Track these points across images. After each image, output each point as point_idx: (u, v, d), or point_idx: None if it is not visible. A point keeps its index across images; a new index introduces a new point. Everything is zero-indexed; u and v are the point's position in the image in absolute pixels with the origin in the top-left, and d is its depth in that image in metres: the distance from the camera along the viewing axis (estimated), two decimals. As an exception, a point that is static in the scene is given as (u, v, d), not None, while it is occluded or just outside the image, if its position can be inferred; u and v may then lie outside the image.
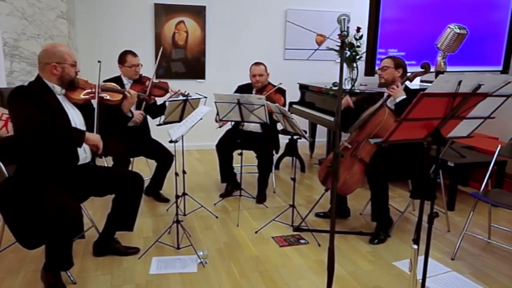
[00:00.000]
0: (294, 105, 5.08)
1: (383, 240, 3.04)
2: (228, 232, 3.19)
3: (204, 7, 5.42)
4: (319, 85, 4.76)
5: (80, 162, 2.42)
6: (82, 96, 2.48)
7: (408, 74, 3.11)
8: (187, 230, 3.06)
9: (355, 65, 4.36)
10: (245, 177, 4.32)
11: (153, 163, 3.74)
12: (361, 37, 4.34)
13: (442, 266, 2.72)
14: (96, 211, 3.32)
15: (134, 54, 3.50)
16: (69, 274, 2.41)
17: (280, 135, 4.04)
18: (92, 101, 2.57)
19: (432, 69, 3.39)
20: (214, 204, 3.74)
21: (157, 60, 3.71)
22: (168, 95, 3.46)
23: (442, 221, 3.36)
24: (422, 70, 3.14)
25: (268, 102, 3.28)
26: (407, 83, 3.09)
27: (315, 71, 5.79)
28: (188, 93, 3.31)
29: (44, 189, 2.22)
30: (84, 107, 2.52)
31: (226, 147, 3.81)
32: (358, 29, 4.33)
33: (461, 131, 1.91)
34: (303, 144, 5.35)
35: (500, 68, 5.06)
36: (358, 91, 4.27)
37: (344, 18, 1.80)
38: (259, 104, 3.22)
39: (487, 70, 4.99)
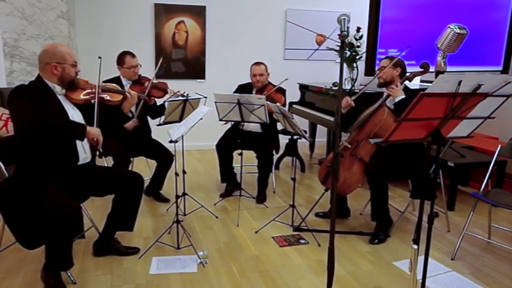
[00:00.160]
0: (294, 105, 5.08)
1: (383, 240, 3.04)
2: (228, 232, 3.19)
3: (204, 7, 5.42)
4: (319, 85, 4.76)
5: (80, 162, 2.42)
6: (82, 97, 2.48)
7: (408, 74, 3.11)
8: (187, 230, 3.06)
9: (355, 65, 4.36)
10: (245, 177, 4.32)
11: (153, 163, 3.74)
12: (361, 37, 4.34)
13: (442, 266, 2.72)
14: (96, 211, 3.32)
15: (132, 55, 3.49)
16: (69, 274, 2.41)
17: (280, 135, 4.04)
18: (92, 101, 2.57)
19: (432, 69, 3.39)
20: (214, 204, 3.74)
21: (157, 68, 3.68)
22: (167, 96, 3.45)
23: (442, 221, 3.36)
24: (422, 70, 3.14)
25: (268, 102, 3.28)
26: (406, 82, 3.09)
27: (315, 71, 5.79)
28: (188, 94, 3.30)
29: (44, 189, 2.22)
30: (84, 107, 2.52)
31: (226, 147, 3.80)
32: (358, 29, 4.33)
33: (461, 131, 1.91)
34: (303, 144, 5.35)
35: (500, 68, 5.06)
36: (358, 91, 4.26)
37: (344, 18, 1.80)
38: (259, 104, 3.22)
39: (487, 70, 4.99)
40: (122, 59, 3.47)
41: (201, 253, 2.74)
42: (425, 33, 4.63)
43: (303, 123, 4.15)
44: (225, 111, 3.40)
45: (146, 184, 3.54)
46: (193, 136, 3.94)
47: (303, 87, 5.14)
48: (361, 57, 4.38)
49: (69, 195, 2.26)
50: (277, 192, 4.12)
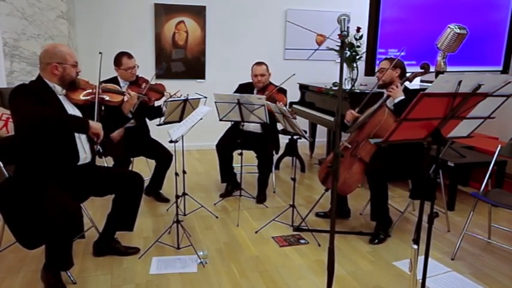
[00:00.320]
0: (294, 105, 5.08)
1: (383, 240, 3.04)
2: (228, 232, 3.19)
3: (204, 7, 5.42)
4: (319, 85, 4.76)
5: (80, 162, 2.42)
6: (83, 97, 2.48)
7: (408, 74, 3.11)
8: (188, 230, 3.06)
9: (355, 65, 4.37)
10: (245, 177, 4.32)
11: (153, 163, 3.74)
12: (361, 37, 4.34)
13: (442, 266, 2.72)
14: (96, 211, 3.32)
15: (129, 56, 3.45)
16: (69, 274, 2.41)
17: (280, 135, 4.04)
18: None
19: (432, 69, 3.39)
20: (214, 204, 3.74)
21: (153, 77, 3.60)
22: (163, 98, 3.42)
23: (442, 221, 3.36)
24: (422, 71, 3.14)
25: (268, 102, 3.28)
26: (406, 83, 3.09)
27: (315, 71, 5.79)
28: (187, 95, 3.29)
29: (44, 189, 2.22)
30: (85, 108, 2.52)
31: (226, 147, 3.80)
32: (358, 29, 4.33)
33: (461, 131, 1.91)
34: (303, 144, 5.35)
35: (500, 68, 5.06)
36: (358, 91, 4.27)
37: (344, 18, 1.80)
38: (259, 104, 3.22)
39: (487, 70, 4.99)
40: (119, 60, 3.44)
41: (201, 253, 2.74)
42: (425, 33, 4.63)
43: (303, 123, 4.15)
44: (225, 111, 3.40)
45: (146, 184, 3.54)
46: (193, 136, 3.94)
47: (303, 87, 5.15)
48: (361, 57, 4.38)
49: (69, 195, 2.26)
50: (277, 192, 4.12)
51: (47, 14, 4.30)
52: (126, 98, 2.77)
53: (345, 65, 4.32)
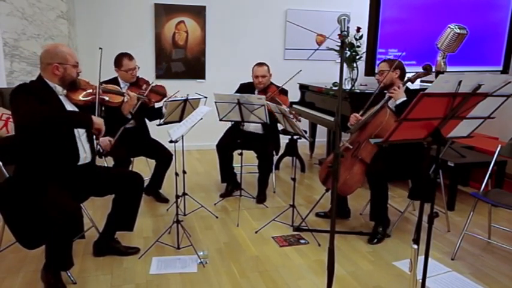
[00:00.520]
0: (294, 105, 5.08)
1: (381, 240, 3.04)
2: (228, 232, 3.19)
3: (204, 7, 5.42)
4: (319, 85, 4.76)
5: (80, 162, 2.42)
6: (83, 98, 2.49)
7: (410, 75, 3.10)
8: (188, 230, 3.06)
9: (355, 65, 4.36)
10: (245, 177, 4.32)
11: (153, 163, 3.74)
12: (361, 37, 4.33)
13: (442, 266, 2.72)
14: (96, 211, 3.32)
15: (130, 58, 3.42)
16: (69, 274, 2.41)
17: (280, 135, 4.04)
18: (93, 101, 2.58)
19: (432, 69, 3.38)
20: (215, 204, 3.74)
21: (152, 82, 3.53)
22: (165, 99, 3.41)
23: (442, 221, 3.36)
24: (424, 72, 3.13)
25: (268, 102, 3.28)
26: (408, 84, 3.08)
27: (315, 71, 5.78)
28: (187, 95, 3.29)
29: (44, 189, 2.22)
30: (85, 108, 2.52)
31: (226, 147, 3.80)
32: (358, 29, 4.33)
33: (461, 131, 1.91)
34: (303, 144, 5.35)
35: (500, 68, 5.06)
36: (358, 91, 4.27)
37: (344, 18, 1.80)
38: (259, 104, 3.22)
39: (487, 70, 4.99)
40: (119, 61, 3.42)
41: (201, 253, 2.74)
42: (425, 33, 4.63)
43: (303, 123, 4.13)
44: (225, 111, 3.40)
45: (146, 184, 3.54)
46: (193, 136, 3.94)
47: (303, 87, 5.15)
48: (361, 57, 4.38)
49: (69, 195, 2.26)
50: (277, 192, 4.12)
51: (47, 14, 4.30)
52: (125, 99, 2.77)
53: (345, 65, 4.32)
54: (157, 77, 5.22)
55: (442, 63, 4.35)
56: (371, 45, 4.46)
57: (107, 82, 3.35)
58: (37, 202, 2.20)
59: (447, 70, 4.41)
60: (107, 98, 2.65)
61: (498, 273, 2.65)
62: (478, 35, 4.77)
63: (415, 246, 1.92)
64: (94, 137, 2.48)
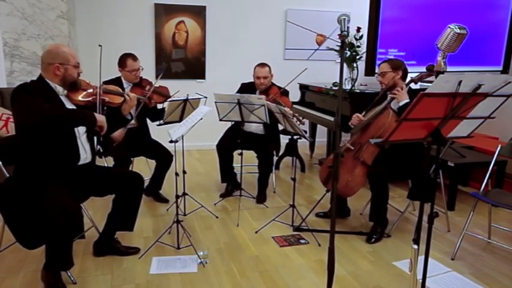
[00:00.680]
0: (294, 105, 5.07)
1: (379, 239, 3.04)
2: (228, 232, 3.19)
3: (204, 7, 5.42)
4: (319, 85, 4.76)
5: (80, 162, 2.42)
6: (84, 98, 2.48)
7: (413, 76, 3.08)
8: (188, 230, 3.06)
9: (355, 65, 4.36)
10: (245, 177, 4.32)
11: (153, 163, 3.74)
12: (361, 37, 4.33)
13: (442, 266, 2.72)
14: (96, 211, 3.32)
15: (134, 58, 3.44)
16: (69, 274, 2.41)
17: (280, 135, 4.03)
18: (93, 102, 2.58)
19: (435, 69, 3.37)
20: (215, 204, 3.74)
21: (160, 76, 3.54)
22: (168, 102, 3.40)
23: (442, 221, 3.36)
24: (427, 72, 3.11)
25: (268, 102, 3.27)
26: (411, 85, 3.05)
27: (315, 71, 5.77)
28: (187, 95, 3.29)
29: (44, 189, 2.22)
30: (85, 108, 2.51)
31: (226, 147, 3.80)
32: (358, 29, 4.33)
33: (461, 131, 1.91)
34: (303, 144, 5.35)
35: (500, 68, 5.06)
36: (358, 91, 4.27)
37: (344, 18, 1.80)
38: (259, 104, 3.22)
39: (487, 70, 4.99)
40: (123, 61, 3.43)
41: (201, 253, 2.74)
42: (425, 33, 4.63)
43: (303, 123, 4.15)
44: (225, 111, 3.40)
45: (146, 184, 3.54)
46: (193, 136, 3.94)
47: (303, 87, 5.15)
48: (361, 57, 4.38)
49: (69, 195, 2.26)
50: (277, 192, 4.12)
51: (47, 14, 4.30)
52: (126, 100, 2.77)
53: (345, 65, 4.32)
54: (157, 77, 5.18)
55: (442, 63, 4.35)
56: (371, 45, 4.46)
57: (109, 82, 3.36)
58: (37, 202, 2.20)
59: (447, 70, 4.40)
60: (107, 99, 2.65)
61: (498, 273, 2.65)
62: (478, 35, 4.77)
63: (415, 246, 1.91)
64: (95, 137, 2.48)
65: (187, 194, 3.41)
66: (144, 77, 3.56)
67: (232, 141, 3.77)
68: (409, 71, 3.16)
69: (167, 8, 5.30)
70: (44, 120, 2.14)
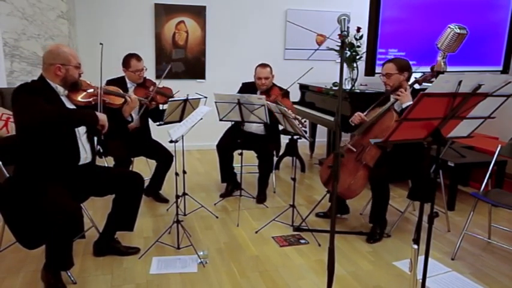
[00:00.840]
0: (294, 105, 5.08)
1: (379, 239, 3.04)
2: (228, 232, 3.19)
3: (204, 7, 5.43)
4: (319, 85, 4.76)
5: (80, 162, 2.42)
6: (84, 98, 2.48)
7: (417, 77, 3.06)
8: (188, 230, 3.06)
9: (355, 65, 4.36)
10: (245, 177, 4.32)
11: (153, 163, 3.74)
12: (361, 37, 4.33)
13: (442, 266, 2.72)
14: (96, 211, 3.32)
15: (138, 59, 3.45)
16: (69, 274, 2.41)
17: (280, 135, 4.03)
18: (93, 102, 2.57)
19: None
20: (215, 204, 3.74)
21: (164, 74, 3.54)
22: None
23: (442, 221, 3.36)
24: (432, 73, 3.09)
25: (268, 102, 3.27)
26: (415, 86, 3.02)
27: (315, 71, 5.76)
28: (187, 95, 3.29)
29: (44, 189, 2.22)
30: (86, 108, 2.51)
31: (226, 147, 3.80)
32: (358, 29, 4.33)
33: (462, 131, 1.91)
34: (303, 144, 5.35)
35: (500, 68, 5.06)
36: (358, 91, 4.27)
37: (344, 18, 1.80)
38: (259, 104, 3.22)
39: (487, 70, 4.99)
40: (127, 61, 3.44)
41: (201, 253, 2.74)
42: (425, 33, 4.63)
43: (303, 123, 4.15)
44: (225, 111, 3.40)
45: (146, 184, 3.54)
46: (193, 136, 3.94)
47: (303, 87, 5.15)
48: (361, 57, 4.38)
49: (69, 195, 2.26)
50: (277, 192, 4.12)
51: (47, 14, 4.30)
52: (127, 101, 2.77)
53: (345, 65, 4.32)
54: (157, 77, 5.20)
55: (442, 63, 4.35)
56: (371, 45, 4.46)
57: (113, 81, 3.38)
58: (37, 202, 2.20)
59: (447, 70, 4.40)
60: (107, 100, 2.65)
61: (498, 273, 2.65)
62: (478, 35, 4.77)
63: (415, 246, 1.92)
64: (96, 138, 2.48)
65: (187, 194, 3.41)
66: (147, 78, 3.56)
67: (232, 141, 3.77)
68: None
69: (167, 8, 5.30)
70: (45, 120, 2.13)
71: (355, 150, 3.06)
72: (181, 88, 3.54)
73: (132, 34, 5.25)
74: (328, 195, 3.47)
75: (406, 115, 1.67)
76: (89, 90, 2.53)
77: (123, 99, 2.76)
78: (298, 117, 3.10)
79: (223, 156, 3.82)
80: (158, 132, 3.60)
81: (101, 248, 2.72)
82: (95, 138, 2.60)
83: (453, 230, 3.29)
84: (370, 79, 4.60)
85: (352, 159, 3.04)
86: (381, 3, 4.41)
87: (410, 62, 3.08)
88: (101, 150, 2.54)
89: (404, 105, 2.89)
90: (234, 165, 3.90)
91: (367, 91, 4.29)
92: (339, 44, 3.08)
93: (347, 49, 4.27)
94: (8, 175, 2.45)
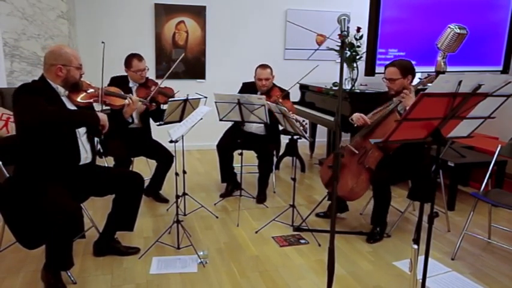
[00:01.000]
0: (294, 105, 5.08)
1: (379, 239, 3.05)
2: (228, 232, 3.19)
3: (204, 7, 5.43)
4: (319, 85, 4.76)
5: (81, 163, 2.42)
6: (85, 99, 2.48)
7: (422, 78, 3.04)
8: (188, 230, 3.06)
9: (355, 65, 4.36)
10: (245, 177, 4.32)
11: (153, 163, 3.74)
12: (361, 37, 4.34)
13: (442, 266, 2.72)
14: (96, 211, 3.32)
15: (140, 59, 3.45)
16: (69, 274, 2.41)
17: (280, 135, 4.03)
18: (94, 103, 2.58)
19: (432, 69, 3.36)
20: (215, 204, 3.74)
21: (167, 74, 3.48)
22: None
23: (442, 221, 3.36)
24: (436, 74, 3.08)
25: (268, 102, 3.27)
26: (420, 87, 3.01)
27: (315, 71, 5.77)
28: (187, 95, 3.28)
29: (44, 189, 2.22)
30: (86, 109, 2.51)
31: (226, 147, 3.80)
32: (358, 29, 4.33)
33: (462, 131, 1.91)
34: (303, 144, 5.35)
35: (500, 68, 5.06)
36: (358, 91, 4.27)
37: (344, 18, 1.80)
38: (259, 104, 3.22)
39: (487, 70, 4.99)
40: (129, 62, 3.45)
41: (201, 253, 2.74)
42: (425, 33, 4.63)
43: (303, 123, 4.14)
44: (225, 111, 3.40)
45: (146, 184, 3.54)
46: (193, 136, 3.94)
47: (303, 87, 5.15)
48: (361, 57, 4.38)
49: (69, 195, 2.26)
50: (277, 192, 4.12)
51: (47, 14, 4.30)
52: (127, 103, 2.76)
53: (345, 65, 4.32)
54: (157, 77, 5.20)
55: (442, 63, 4.35)
56: (371, 45, 4.46)
57: (117, 78, 3.41)
58: (37, 202, 2.20)
59: (447, 70, 4.40)
60: (107, 101, 2.65)
61: (498, 273, 2.65)
62: (478, 35, 4.77)
63: (415, 246, 1.92)
64: (96, 138, 2.47)
65: (187, 194, 3.41)
66: (150, 78, 3.57)
67: (232, 141, 3.77)
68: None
69: (167, 8, 5.30)
70: (45, 121, 2.13)
71: (357, 152, 3.03)
72: (181, 88, 3.54)
73: (132, 34, 5.25)
74: (326, 193, 3.46)
75: (406, 115, 1.67)
76: (89, 91, 2.53)
77: (123, 101, 2.76)
78: (299, 120, 3.08)
79: (223, 156, 3.82)
80: (158, 132, 3.59)
81: (101, 248, 2.72)
82: (96, 138, 2.60)
83: (453, 230, 3.29)
84: (370, 79, 4.60)
85: (354, 162, 3.03)
86: (381, 3, 4.41)
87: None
88: (101, 150, 2.53)
89: (408, 108, 2.85)
90: (234, 165, 3.90)
91: (367, 91, 4.29)
92: (339, 44, 3.08)
93: (347, 49, 4.27)
94: (8, 175, 2.45)
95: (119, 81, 3.37)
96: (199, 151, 5.60)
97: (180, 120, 3.16)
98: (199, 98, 3.23)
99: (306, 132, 3.05)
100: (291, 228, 3.23)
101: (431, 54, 4.45)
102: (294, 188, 3.29)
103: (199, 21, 5.45)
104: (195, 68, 5.57)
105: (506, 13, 4.93)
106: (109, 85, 3.26)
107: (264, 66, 3.77)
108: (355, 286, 2.48)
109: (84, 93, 2.50)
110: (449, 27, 4.15)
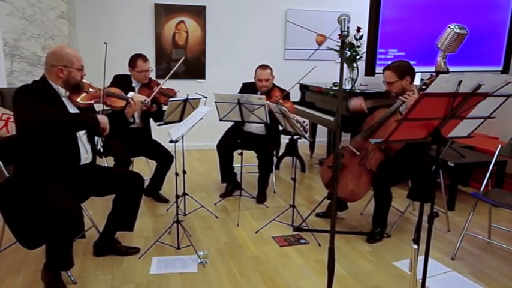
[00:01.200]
0: (294, 105, 5.07)
1: (379, 239, 3.05)
2: (228, 232, 3.19)
3: (204, 7, 5.43)
4: (319, 85, 4.76)
5: (81, 163, 2.42)
6: (86, 101, 2.48)
7: (425, 79, 3.03)
8: (188, 230, 3.06)
9: (355, 65, 4.36)
10: (245, 177, 4.32)
11: (153, 163, 3.74)
12: (361, 37, 4.34)
13: (442, 266, 2.72)
14: (96, 211, 3.32)
15: (145, 59, 3.46)
16: (69, 274, 2.41)
17: (280, 135, 4.03)
18: (95, 104, 2.58)
19: (432, 69, 3.36)
20: (215, 204, 3.74)
21: (170, 73, 3.48)
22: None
23: (442, 221, 3.36)
24: (439, 75, 3.08)
25: (268, 102, 3.27)
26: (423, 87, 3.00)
27: (315, 71, 5.77)
28: (187, 95, 3.28)
29: (44, 189, 2.22)
30: (87, 110, 2.51)
31: (226, 147, 3.80)
32: (358, 29, 4.33)
33: (462, 131, 1.91)
34: (303, 144, 5.35)
35: (500, 68, 5.05)
36: (358, 91, 4.27)
37: (344, 18, 1.80)
38: (259, 104, 3.22)
39: (487, 70, 4.99)
40: (134, 62, 3.45)
41: (201, 253, 2.74)
42: (425, 33, 4.63)
43: (303, 123, 4.14)
44: (225, 111, 3.40)
45: (146, 184, 3.53)
46: (193, 136, 3.93)
47: (303, 87, 5.14)
48: (361, 57, 4.38)
49: (69, 195, 2.26)
50: (277, 192, 4.12)
51: (47, 14, 4.30)
52: (129, 104, 2.76)
53: (345, 65, 4.32)
54: (157, 77, 5.19)
55: (442, 63, 4.34)
56: (371, 45, 4.46)
57: (120, 76, 3.40)
58: (37, 202, 2.20)
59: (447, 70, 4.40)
60: (108, 102, 2.65)
61: (498, 273, 2.65)
62: (478, 35, 4.77)
63: (415, 246, 1.91)
64: (95, 138, 2.48)
65: (187, 194, 3.41)
66: (153, 79, 3.58)
67: (232, 141, 3.77)
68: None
69: (167, 8, 5.30)
70: (45, 123, 2.13)
71: (358, 153, 3.03)
72: (181, 88, 3.54)
73: (132, 34, 5.25)
74: (325, 193, 3.46)
75: (406, 115, 1.67)
76: (90, 92, 2.53)
77: (124, 102, 2.76)
78: (300, 121, 3.08)
79: (224, 156, 3.82)
80: (158, 132, 3.59)
81: (101, 248, 2.72)
82: (96, 139, 2.60)
83: (453, 230, 3.29)
84: (370, 79, 4.60)
85: (355, 163, 3.03)
86: (381, 3, 4.40)
87: (411, 62, 3.05)
88: (101, 150, 2.53)
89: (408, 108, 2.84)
90: (234, 165, 3.90)
91: (367, 91, 4.28)
92: (339, 44, 3.07)
93: (347, 49, 4.27)
94: (8, 175, 2.45)
95: (121, 80, 3.37)
96: (199, 151, 5.60)
97: (180, 120, 3.16)
98: (199, 98, 3.23)
99: (306, 133, 3.05)
100: (291, 228, 3.23)
101: (431, 54, 4.45)
102: (294, 188, 3.29)
103: (199, 21, 5.45)
104: (195, 68, 5.57)
105: (506, 13, 4.93)
106: (112, 83, 3.27)
107: (264, 67, 3.76)
108: (355, 286, 2.48)
109: (85, 94, 2.50)
110: (449, 27, 4.15)
